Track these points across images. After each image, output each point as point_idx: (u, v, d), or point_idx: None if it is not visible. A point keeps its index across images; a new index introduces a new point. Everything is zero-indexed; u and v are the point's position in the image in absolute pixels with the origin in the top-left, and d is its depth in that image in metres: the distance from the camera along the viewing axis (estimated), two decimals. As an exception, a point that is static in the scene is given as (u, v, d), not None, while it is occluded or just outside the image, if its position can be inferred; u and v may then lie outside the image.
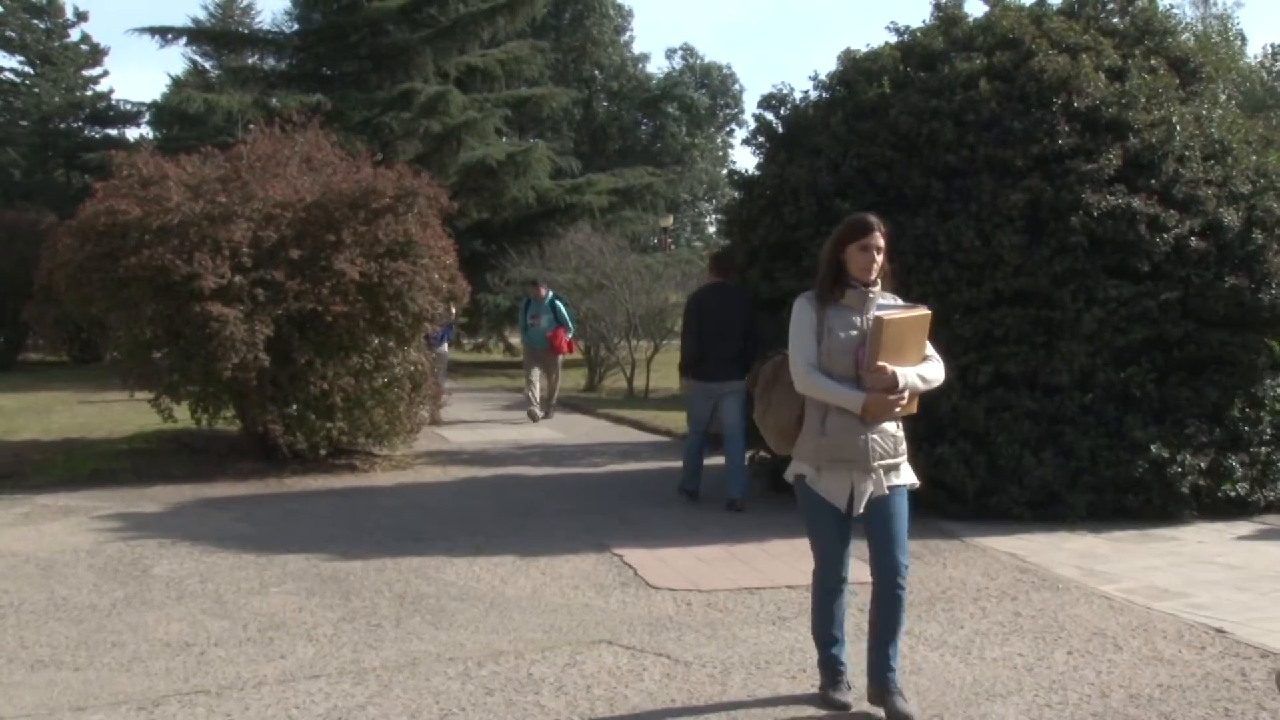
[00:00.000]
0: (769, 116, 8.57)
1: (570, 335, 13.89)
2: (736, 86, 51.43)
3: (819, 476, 3.78)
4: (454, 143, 22.91)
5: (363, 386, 9.10)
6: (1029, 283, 6.89)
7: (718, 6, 78.03)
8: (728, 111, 51.52)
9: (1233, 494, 6.91)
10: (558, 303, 13.54)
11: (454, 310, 11.84)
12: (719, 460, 7.78)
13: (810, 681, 4.13)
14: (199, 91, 23.63)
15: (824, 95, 8.25)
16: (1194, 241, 6.97)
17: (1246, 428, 7.04)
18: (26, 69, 33.07)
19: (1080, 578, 5.60)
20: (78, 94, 33.55)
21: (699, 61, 51.44)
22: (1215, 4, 35.99)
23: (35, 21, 33.29)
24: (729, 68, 51.91)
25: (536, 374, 13.18)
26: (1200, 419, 6.94)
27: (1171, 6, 13.16)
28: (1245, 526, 6.83)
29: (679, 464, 8.49)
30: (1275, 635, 4.63)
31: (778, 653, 4.50)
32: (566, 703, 3.96)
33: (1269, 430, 7.13)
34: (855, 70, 7.99)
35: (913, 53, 7.86)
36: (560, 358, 13.64)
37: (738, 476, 7.72)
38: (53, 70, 32.85)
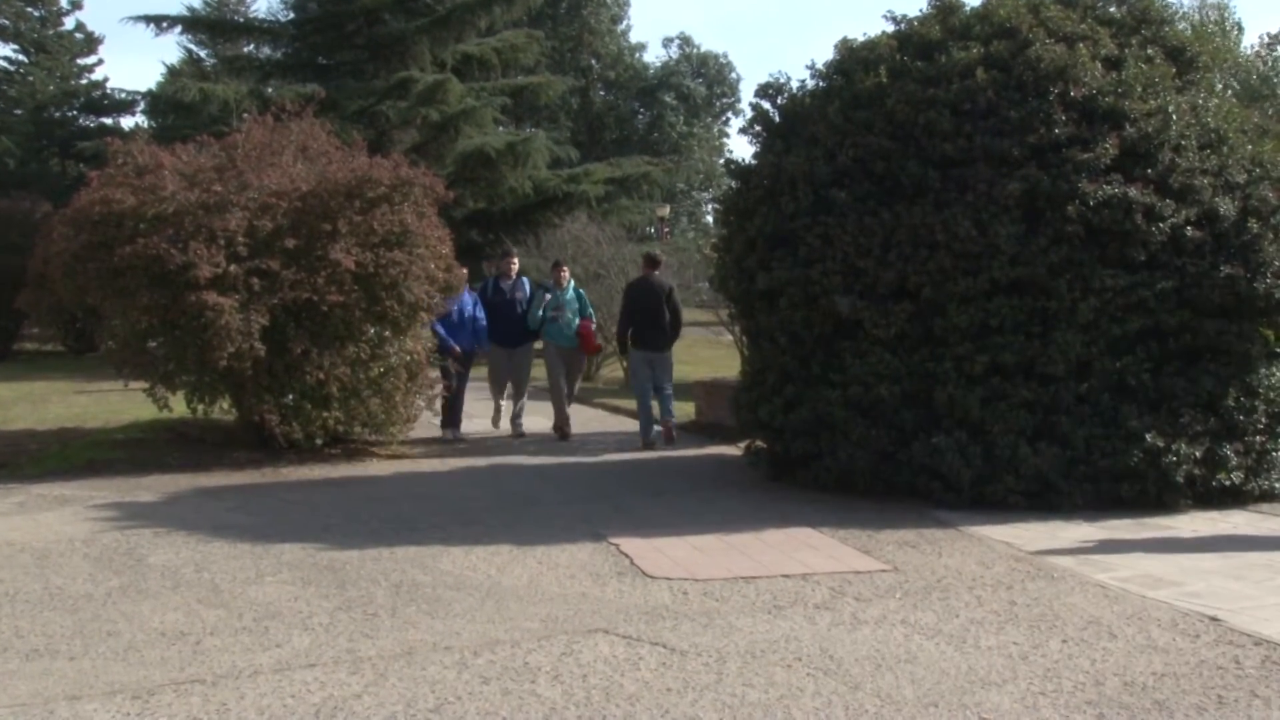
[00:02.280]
0: (766, 106, 8.54)
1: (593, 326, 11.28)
2: (733, 76, 51.33)
3: None
4: (451, 132, 22.87)
5: (359, 376, 9.09)
6: (1025, 272, 6.89)
7: (715, -5, 77.79)
8: (724, 101, 51.41)
9: (1227, 483, 6.92)
10: (580, 291, 11.31)
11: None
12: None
13: (805, 670, 4.14)
14: (194, 80, 23.60)
15: (821, 84, 8.23)
16: (1190, 231, 6.97)
17: (1241, 417, 7.04)
18: (21, 57, 33.05)
19: (1075, 566, 5.61)
20: (72, 83, 33.53)
21: (696, 51, 51.30)
22: (1212, -7, 35.83)
23: (29, 9, 33.24)
24: (726, 57, 51.87)
25: (562, 382, 10.87)
26: (1195, 408, 6.94)
27: (1169, -5, 13.08)
28: (1239, 515, 6.84)
29: (674, 454, 9.38)
30: (1268, 623, 4.64)
31: (773, 641, 4.50)
32: (562, 691, 3.96)
33: (1263, 419, 7.14)
34: (852, 59, 7.97)
35: (910, 42, 7.85)
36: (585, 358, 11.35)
37: (666, 407, 9.99)
38: (47, 59, 32.80)
